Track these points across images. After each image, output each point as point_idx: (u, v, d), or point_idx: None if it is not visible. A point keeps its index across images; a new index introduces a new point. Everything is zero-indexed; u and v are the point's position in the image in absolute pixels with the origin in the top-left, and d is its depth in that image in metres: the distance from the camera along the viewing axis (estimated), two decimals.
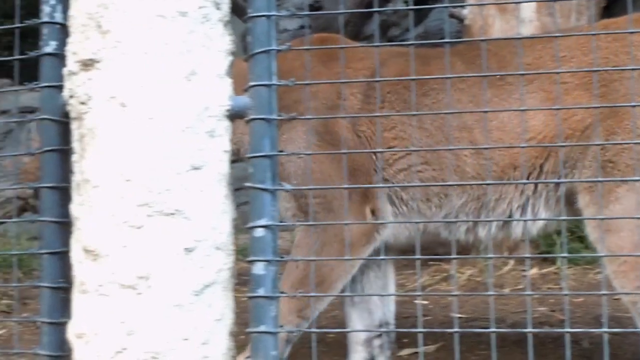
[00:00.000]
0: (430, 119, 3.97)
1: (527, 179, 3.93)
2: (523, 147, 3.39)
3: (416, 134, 4.03)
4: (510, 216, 4.02)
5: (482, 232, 4.15)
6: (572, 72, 3.73)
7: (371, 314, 4.44)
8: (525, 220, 4.01)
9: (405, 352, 4.68)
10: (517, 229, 4.09)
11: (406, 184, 3.98)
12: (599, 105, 3.57)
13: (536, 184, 3.93)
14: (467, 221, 4.08)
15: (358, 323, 4.44)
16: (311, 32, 11.88)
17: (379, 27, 12.50)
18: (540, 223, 4.09)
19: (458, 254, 3.52)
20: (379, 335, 4.42)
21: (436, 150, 3.96)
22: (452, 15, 7.47)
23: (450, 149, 3.80)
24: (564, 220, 3.94)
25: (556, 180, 3.86)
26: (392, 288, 4.58)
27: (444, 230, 4.19)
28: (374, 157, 4.01)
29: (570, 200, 3.87)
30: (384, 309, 4.47)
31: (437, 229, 4.18)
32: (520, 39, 2.86)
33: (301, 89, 3.54)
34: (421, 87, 4.02)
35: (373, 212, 4.08)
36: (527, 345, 2.45)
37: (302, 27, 11.43)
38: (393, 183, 4.05)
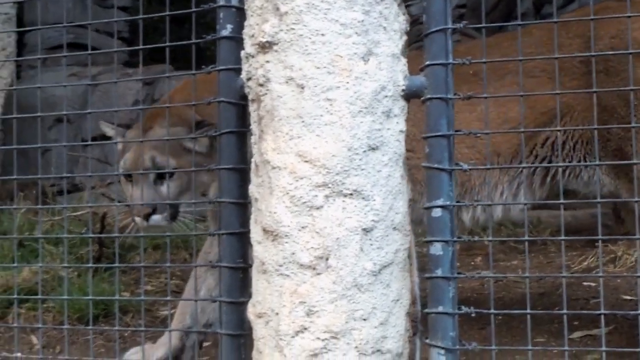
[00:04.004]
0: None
1: (510, 162, 4.22)
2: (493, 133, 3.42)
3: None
4: (491, 199, 4.25)
5: (465, 216, 4.35)
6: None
7: None
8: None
9: (577, 334, 4.56)
10: (497, 211, 4.35)
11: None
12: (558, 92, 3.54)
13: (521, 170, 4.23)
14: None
15: None
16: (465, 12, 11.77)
17: (532, 5, 12.27)
18: (521, 205, 4.30)
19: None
20: None
21: None
22: None
23: None
24: None
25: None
26: None
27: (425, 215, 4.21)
28: None
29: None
30: None
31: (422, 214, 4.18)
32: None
33: None
34: None
35: None
36: None
37: (457, 7, 11.30)
38: None
